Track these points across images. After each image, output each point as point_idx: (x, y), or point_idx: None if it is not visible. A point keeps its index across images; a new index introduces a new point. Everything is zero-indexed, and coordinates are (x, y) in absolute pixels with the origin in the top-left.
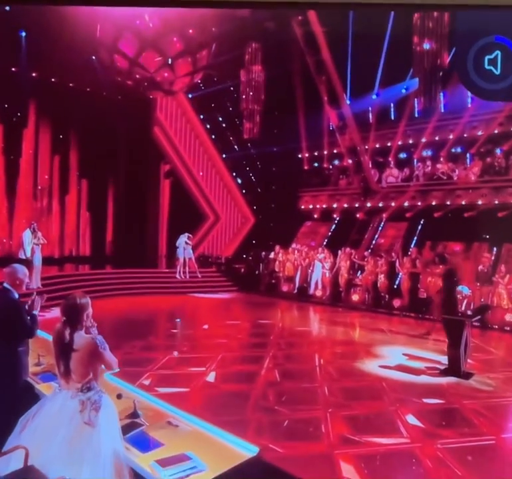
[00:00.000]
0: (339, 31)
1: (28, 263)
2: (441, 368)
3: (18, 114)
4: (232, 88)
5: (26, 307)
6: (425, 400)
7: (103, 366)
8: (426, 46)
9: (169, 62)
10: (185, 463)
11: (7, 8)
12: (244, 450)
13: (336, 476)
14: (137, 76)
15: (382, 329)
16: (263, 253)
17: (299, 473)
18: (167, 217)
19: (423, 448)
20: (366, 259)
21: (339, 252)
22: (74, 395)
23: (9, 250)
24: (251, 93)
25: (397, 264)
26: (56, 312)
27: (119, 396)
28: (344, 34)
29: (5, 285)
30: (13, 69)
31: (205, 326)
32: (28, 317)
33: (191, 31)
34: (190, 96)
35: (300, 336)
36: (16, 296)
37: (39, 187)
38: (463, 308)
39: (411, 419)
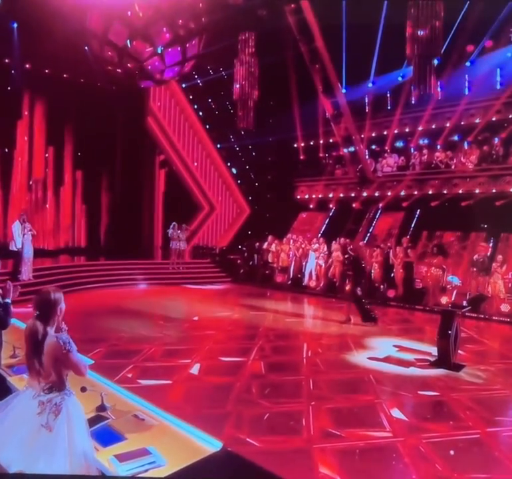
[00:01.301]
0: (333, 19)
1: (18, 255)
2: (432, 360)
3: (13, 106)
4: (226, 77)
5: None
6: (412, 393)
7: (69, 370)
8: (420, 32)
9: (159, 51)
10: (144, 458)
11: None
12: (208, 445)
13: (312, 470)
14: (128, 65)
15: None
16: (257, 243)
17: (273, 467)
18: (162, 208)
19: (404, 442)
20: (360, 249)
21: (333, 242)
22: (36, 395)
23: (4, 242)
24: (245, 82)
25: (390, 254)
26: None
27: (83, 389)
28: (338, 21)
29: None
30: (6, 61)
31: (195, 318)
32: (0, 308)
33: (180, 20)
34: (184, 85)
35: (290, 328)
36: None
37: (33, 179)
38: (452, 298)
39: (396, 412)
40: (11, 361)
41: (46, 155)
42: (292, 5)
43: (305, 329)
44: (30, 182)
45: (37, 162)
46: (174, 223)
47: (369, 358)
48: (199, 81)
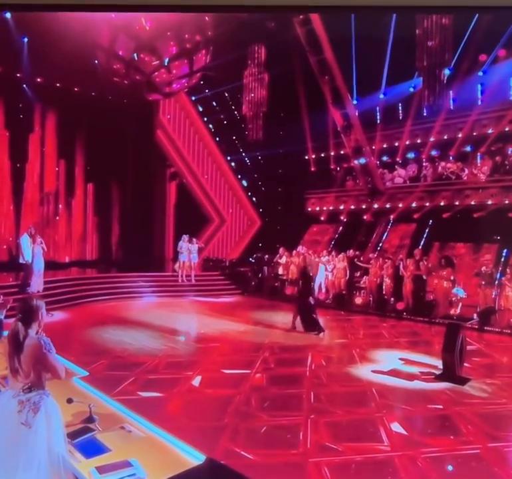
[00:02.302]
0: (342, 30)
1: (28, 267)
2: (437, 374)
3: (24, 120)
4: (235, 89)
5: None
6: (414, 407)
7: (48, 371)
8: (429, 43)
9: (166, 63)
10: (124, 470)
11: (8, 15)
12: (191, 458)
13: None
14: (135, 78)
15: (381, 333)
16: (266, 256)
17: None
18: (173, 220)
19: (402, 456)
20: (370, 262)
21: (341, 255)
22: (16, 395)
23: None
24: (254, 94)
25: (400, 266)
26: (57, 316)
27: (69, 401)
28: (348, 32)
29: None
30: (18, 75)
31: (202, 330)
32: None
33: (186, 33)
34: (193, 98)
35: (296, 340)
36: None
37: (45, 192)
38: (458, 310)
39: (396, 426)
40: (6, 373)
41: (57, 168)
42: (301, 16)
43: (311, 342)
44: (45, 192)
45: (49, 175)
46: (185, 235)
47: (373, 371)
48: (208, 93)
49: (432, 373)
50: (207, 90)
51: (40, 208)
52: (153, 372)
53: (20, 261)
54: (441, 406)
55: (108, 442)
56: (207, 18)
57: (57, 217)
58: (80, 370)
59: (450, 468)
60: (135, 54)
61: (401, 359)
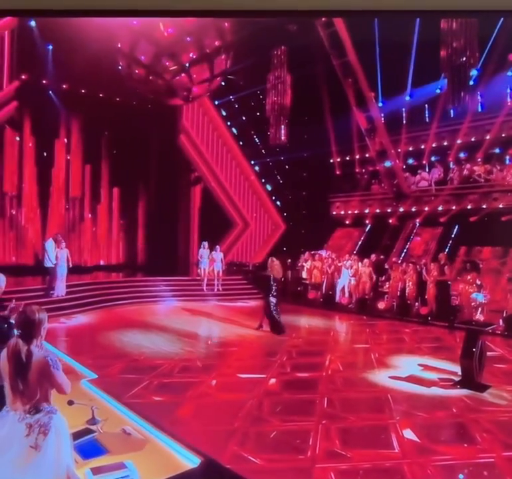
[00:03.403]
0: (366, 32)
1: (52, 272)
2: (456, 380)
3: (50, 126)
4: (259, 93)
5: (7, 312)
6: (429, 414)
7: (54, 387)
8: (454, 44)
9: (186, 68)
10: (118, 471)
11: (33, 23)
12: (186, 461)
13: None
14: (155, 83)
15: (403, 338)
16: (289, 260)
17: None
18: (197, 224)
19: (412, 464)
20: (393, 266)
21: (365, 260)
22: (22, 418)
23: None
24: (277, 98)
25: (423, 271)
26: (80, 319)
27: (70, 403)
28: (372, 34)
29: None
30: (44, 82)
31: (221, 335)
32: (5, 325)
33: (206, 38)
34: (216, 102)
35: (314, 345)
36: None
37: (71, 197)
38: (477, 316)
39: (408, 433)
40: None
41: (83, 173)
42: (323, 19)
43: (329, 347)
44: (68, 200)
45: (74, 180)
46: (205, 242)
47: (390, 377)
48: (232, 98)
49: (451, 380)
50: (230, 95)
51: (66, 213)
52: (168, 376)
53: (45, 264)
54: (456, 414)
55: (107, 444)
56: (226, 23)
57: (83, 222)
58: (89, 372)
59: (461, 476)
60: (156, 60)
61: (420, 365)
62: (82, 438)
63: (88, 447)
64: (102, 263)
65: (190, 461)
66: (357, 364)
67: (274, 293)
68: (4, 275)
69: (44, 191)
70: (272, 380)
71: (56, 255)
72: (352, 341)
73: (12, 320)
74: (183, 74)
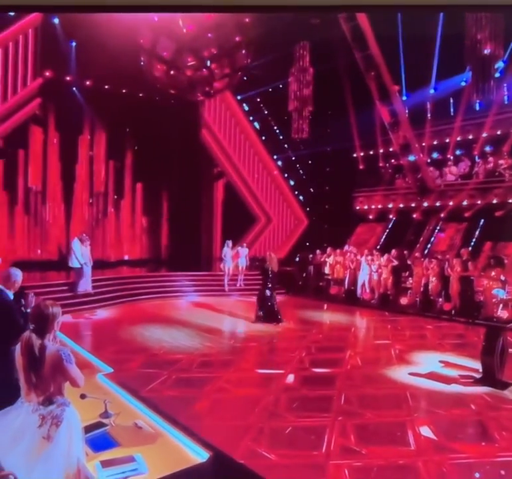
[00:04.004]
0: (388, 24)
1: (78, 270)
2: (477, 377)
3: (74, 122)
4: (281, 88)
5: (22, 306)
6: (447, 411)
7: (67, 381)
8: (479, 36)
9: (207, 64)
10: (127, 465)
11: (56, 21)
12: (196, 456)
13: None
14: (176, 79)
15: (425, 334)
16: (310, 255)
17: None
18: (220, 219)
19: (427, 461)
20: (416, 262)
21: (386, 255)
22: (35, 409)
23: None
24: (300, 92)
25: (446, 266)
26: (102, 314)
27: (82, 396)
28: (394, 27)
29: (0, 286)
30: (67, 78)
31: (241, 330)
32: (22, 318)
33: (226, 33)
34: (239, 97)
35: (334, 341)
36: (11, 297)
37: (95, 192)
38: (499, 312)
39: (425, 431)
40: None
41: (106, 169)
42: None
43: (349, 342)
44: (92, 196)
45: (98, 176)
46: (228, 241)
47: (410, 374)
48: (254, 92)
49: (472, 377)
50: (252, 90)
51: (90, 208)
52: (186, 371)
53: (70, 264)
54: (476, 411)
55: (118, 438)
56: (246, 19)
57: (106, 217)
58: (105, 366)
59: (477, 475)
60: (177, 56)
61: (441, 362)
62: (94, 431)
63: (100, 440)
64: (125, 258)
65: (199, 455)
66: (377, 361)
67: (270, 286)
68: (20, 270)
69: (68, 186)
70: (290, 376)
71: (82, 254)
72: (373, 337)
73: (29, 311)
74: (204, 70)
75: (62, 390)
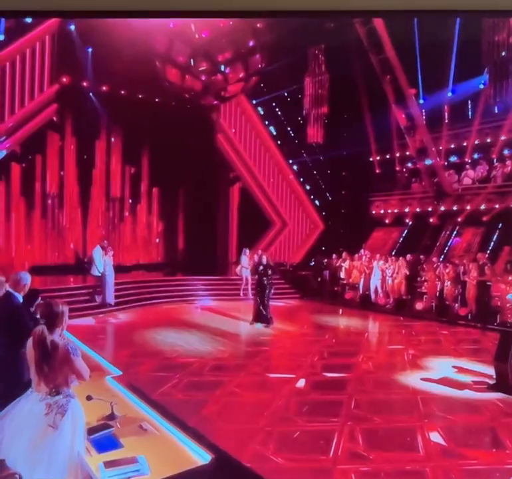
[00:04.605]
0: (404, 27)
1: (100, 279)
2: (491, 383)
3: (91, 127)
4: (296, 92)
5: (32, 310)
6: (459, 417)
7: (73, 374)
8: (496, 38)
9: (221, 68)
10: (129, 466)
11: (72, 27)
12: (199, 458)
13: None
14: (191, 84)
15: (439, 340)
16: (325, 260)
17: None
18: (236, 224)
19: (435, 467)
20: (432, 266)
21: (400, 259)
22: (43, 398)
23: (83, 257)
24: (315, 96)
25: (460, 271)
26: (118, 318)
27: (88, 398)
28: (410, 29)
29: (9, 289)
30: (84, 84)
31: (254, 334)
32: (32, 321)
33: (240, 38)
34: (254, 102)
35: (347, 346)
36: (20, 300)
37: (111, 197)
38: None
39: (435, 436)
40: None
41: (123, 174)
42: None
43: (362, 347)
44: (108, 201)
45: (114, 181)
46: (246, 249)
47: (422, 379)
48: (269, 97)
49: (486, 383)
50: (268, 94)
51: (107, 213)
52: (198, 375)
53: (93, 273)
54: (488, 418)
55: (123, 439)
56: (259, 24)
57: (123, 222)
58: (115, 369)
59: None
60: (191, 60)
61: (454, 367)
62: (100, 433)
63: (105, 441)
64: (141, 262)
65: (202, 457)
66: (389, 366)
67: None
68: (29, 274)
69: (85, 191)
70: (302, 381)
71: (104, 263)
72: (387, 342)
73: (38, 316)
74: (218, 74)
75: (68, 382)
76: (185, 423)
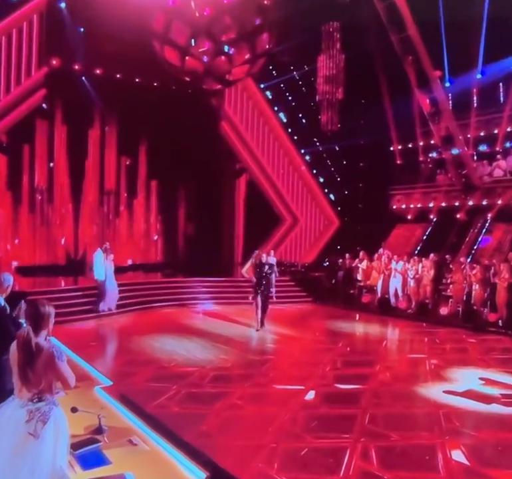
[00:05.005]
0: (429, 2)
1: (101, 285)
2: None
3: (83, 114)
4: (309, 75)
5: (16, 313)
6: (484, 434)
7: (58, 380)
8: None
9: (225, 49)
10: None
11: (63, 5)
12: (193, 476)
13: None
14: (191, 66)
15: (466, 348)
16: (340, 260)
17: None
18: (243, 220)
19: None
20: (461, 266)
21: (424, 260)
22: (24, 404)
23: (74, 257)
24: (330, 79)
25: (490, 272)
26: (111, 322)
27: (73, 410)
28: (435, 4)
29: None
30: (76, 67)
31: (260, 341)
32: (14, 326)
33: (245, 16)
34: (262, 85)
35: (363, 355)
36: (2, 303)
37: (106, 190)
38: None
39: (458, 455)
40: None
41: (118, 165)
42: None
43: (380, 356)
44: (102, 194)
45: (109, 172)
46: (257, 251)
47: (445, 392)
48: (278, 80)
49: None
50: (277, 78)
51: (100, 208)
52: (197, 386)
53: (96, 277)
54: None
55: (110, 455)
56: (265, 1)
57: (118, 218)
58: (104, 378)
59: None
60: (192, 40)
61: (481, 379)
62: (86, 448)
63: (91, 457)
64: (138, 262)
65: (196, 475)
66: (409, 377)
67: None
68: (11, 275)
69: (77, 184)
70: (311, 393)
71: (105, 268)
72: (407, 351)
73: (22, 321)
74: (221, 56)
75: (52, 389)
76: (181, 438)
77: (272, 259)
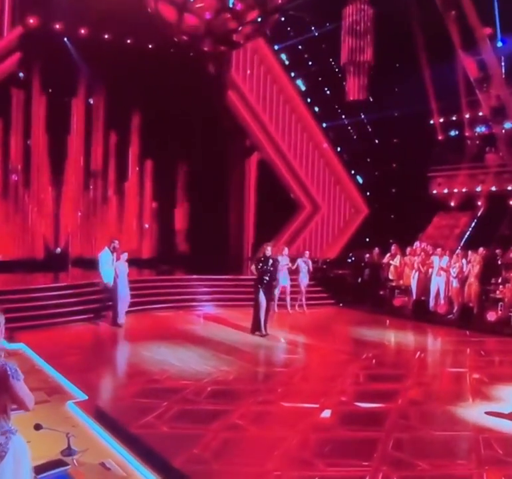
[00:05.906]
0: None
1: (109, 291)
2: None
3: (65, 81)
4: (332, 34)
5: None
6: None
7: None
8: None
9: (230, 4)
10: None
11: None
12: None
13: None
14: (190, 24)
15: None
16: (367, 255)
17: None
18: (254, 207)
19: None
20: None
21: (469, 254)
22: None
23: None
24: (356, 40)
25: None
26: (95, 327)
27: (37, 427)
28: None
29: None
30: (57, 27)
31: (269, 351)
32: None
33: None
34: (276, 47)
35: (391, 368)
36: None
37: (92, 171)
38: None
39: None
40: None
41: (107, 141)
42: None
43: (411, 370)
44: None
45: (95, 151)
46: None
47: (487, 413)
48: (295, 40)
49: None
50: (294, 38)
51: (85, 192)
52: (192, 402)
53: (105, 281)
54: None
55: None
56: None
57: (106, 204)
58: (79, 392)
59: None
60: None
61: None
62: (52, 471)
63: None
64: (130, 256)
65: None
66: (444, 395)
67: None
68: None
69: (58, 165)
70: (326, 412)
71: (115, 270)
72: (445, 364)
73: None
74: (226, 12)
75: (8, 414)
76: (167, 463)
77: (285, 259)
